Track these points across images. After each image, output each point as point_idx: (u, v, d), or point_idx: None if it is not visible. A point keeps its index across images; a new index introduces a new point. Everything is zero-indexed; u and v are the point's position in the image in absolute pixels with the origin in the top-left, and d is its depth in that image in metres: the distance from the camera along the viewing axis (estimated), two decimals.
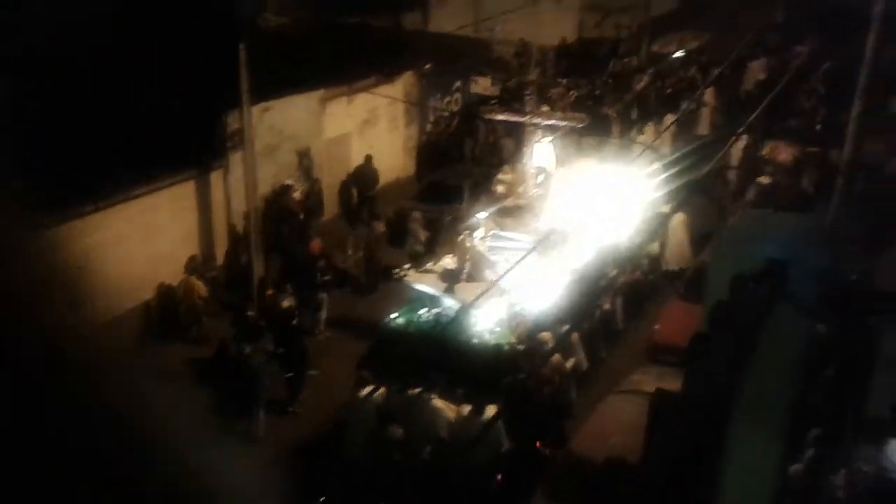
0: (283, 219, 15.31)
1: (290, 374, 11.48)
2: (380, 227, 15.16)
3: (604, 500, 8.97)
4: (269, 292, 12.68)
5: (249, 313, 11.73)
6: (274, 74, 14.55)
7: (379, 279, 14.58)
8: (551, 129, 13.07)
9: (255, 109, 14.48)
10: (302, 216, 15.69)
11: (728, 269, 3.38)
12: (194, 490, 0.74)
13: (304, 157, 16.82)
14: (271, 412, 11.38)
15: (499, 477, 9.73)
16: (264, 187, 15.23)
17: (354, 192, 17.62)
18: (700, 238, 15.48)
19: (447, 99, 20.81)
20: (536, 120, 12.99)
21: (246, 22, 14.49)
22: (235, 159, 14.62)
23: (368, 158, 17.78)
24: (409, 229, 15.20)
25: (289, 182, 15.88)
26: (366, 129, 18.63)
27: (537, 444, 10.07)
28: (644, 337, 13.08)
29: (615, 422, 9.80)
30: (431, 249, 14.59)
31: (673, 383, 10.95)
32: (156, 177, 13.35)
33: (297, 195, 15.77)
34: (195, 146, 14.01)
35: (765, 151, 17.49)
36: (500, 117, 14.89)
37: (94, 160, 11.27)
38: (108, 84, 11.83)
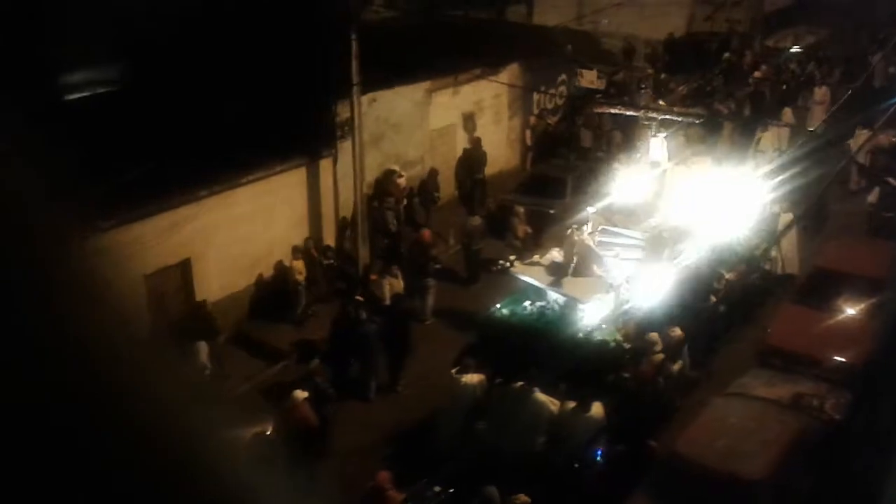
0: (383, 202, 15.60)
1: (393, 356, 11.73)
2: (476, 220, 15.13)
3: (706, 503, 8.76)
4: (374, 277, 12.92)
5: (357, 297, 11.99)
6: (382, 66, 14.78)
7: (479, 270, 14.63)
8: (666, 123, 12.69)
9: (364, 99, 14.76)
10: (406, 202, 15.93)
11: None
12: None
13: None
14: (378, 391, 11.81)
15: (600, 471, 9.62)
16: (371, 175, 15.52)
17: (465, 175, 18.00)
18: (813, 239, 14.77)
19: (552, 91, 20.65)
20: (653, 114, 12.64)
21: (356, 15, 14.81)
22: (344, 147, 14.94)
23: (477, 141, 18.12)
24: (509, 222, 15.17)
25: (393, 167, 16.14)
26: (470, 121, 18.71)
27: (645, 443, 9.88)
28: (753, 340, 12.60)
29: (723, 424, 9.54)
30: (533, 243, 14.54)
31: (782, 388, 10.64)
32: (269, 163, 13.80)
33: (402, 181, 16.02)
34: (306, 134, 14.40)
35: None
36: (615, 110, 14.61)
37: (212, 147, 11.73)
38: (228, 75, 12.29)
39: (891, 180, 15.57)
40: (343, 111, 14.92)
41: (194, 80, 11.94)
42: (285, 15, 13.30)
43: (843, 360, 10.82)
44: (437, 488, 9.13)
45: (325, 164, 15.08)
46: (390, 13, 20.85)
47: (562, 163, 17.84)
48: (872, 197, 15.22)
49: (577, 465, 9.47)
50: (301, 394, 9.58)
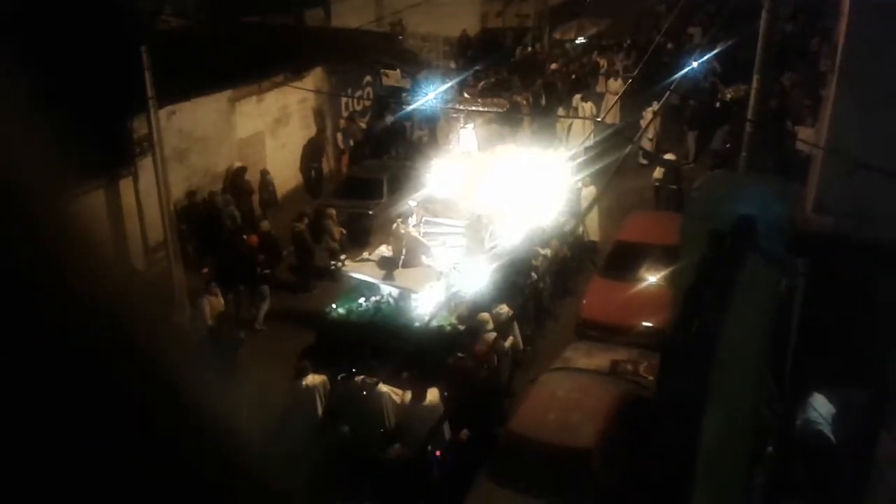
0: (238, 199, 15.54)
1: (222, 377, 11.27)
2: (301, 225, 14.91)
3: (545, 477, 9.13)
4: (204, 270, 12.52)
5: (175, 320, 11.40)
6: (179, 76, 14.14)
7: (312, 275, 14.45)
8: (472, 115, 13.26)
9: (162, 113, 14.04)
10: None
11: (700, 227, 3.52)
12: None
13: None
14: None
15: (442, 458, 9.79)
16: (177, 191, 14.83)
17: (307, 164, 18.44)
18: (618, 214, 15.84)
19: (359, 93, 20.71)
20: (460, 107, 13.17)
21: (146, 24, 14.05)
22: (146, 164, 14.14)
23: (319, 132, 18.87)
24: (324, 226, 15.09)
25: (239, 164, 16.11)
26: (278, 128, 18.36)
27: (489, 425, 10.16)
28: (572, 313, 13.35)
29: (551, 399, 9.96)
30: (350, 244, 14.62)
31: (600, 358, 11.34)
32: None
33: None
34: (100, 154, 13.44)
35: None
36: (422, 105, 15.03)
37: None
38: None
39: (669, 156, 17.04)
40: (140, 127, 14.11)
41: None
42: (68, 27, 12.32)
43: (651, 325, 11.69)
44: None
45: (125, 184, 14.21)
46: (182, 22, 19.98)
47: (376, 163, 17.94)
48: (657, 173, 16.54)
49: (421, 456, 9.58)
50: None
